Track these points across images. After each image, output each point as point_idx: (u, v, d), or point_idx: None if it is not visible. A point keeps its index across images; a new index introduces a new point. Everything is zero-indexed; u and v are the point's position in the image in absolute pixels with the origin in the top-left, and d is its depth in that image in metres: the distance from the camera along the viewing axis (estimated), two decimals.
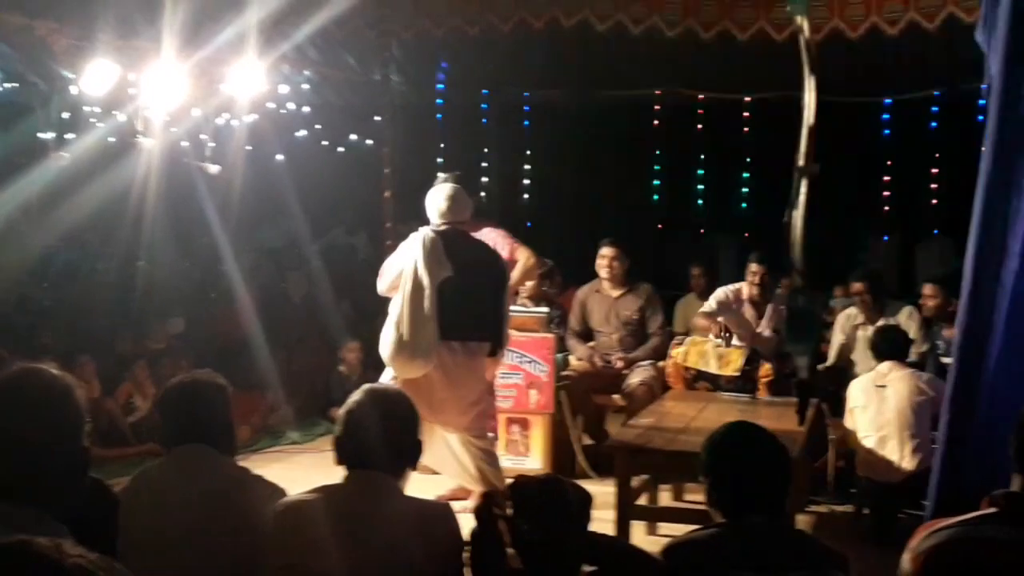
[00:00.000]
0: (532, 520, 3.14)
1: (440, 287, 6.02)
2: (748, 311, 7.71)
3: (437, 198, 6.31)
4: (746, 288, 7.80)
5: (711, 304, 7.88)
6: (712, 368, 7.17)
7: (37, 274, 11.25)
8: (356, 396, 3.39)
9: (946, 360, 6.41)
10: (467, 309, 6.13)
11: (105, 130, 10.14)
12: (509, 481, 3.39)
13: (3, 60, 10.41)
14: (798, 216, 3.55)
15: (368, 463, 3.25)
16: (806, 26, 3.59)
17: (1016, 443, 2.84)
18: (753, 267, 7.75)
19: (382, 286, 6.27)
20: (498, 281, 6.42)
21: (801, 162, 3.52)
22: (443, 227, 6.22)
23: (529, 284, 8.10)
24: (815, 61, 3.53)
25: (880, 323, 7.73)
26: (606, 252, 8.15)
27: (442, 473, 6.61)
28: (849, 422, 6.66)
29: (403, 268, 6.11)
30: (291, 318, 10.36)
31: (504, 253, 6.87)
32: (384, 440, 3.26)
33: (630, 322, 8.10)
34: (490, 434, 6.68)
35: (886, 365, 6.60)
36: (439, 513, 3.35)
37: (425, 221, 6.41)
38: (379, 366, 6.60)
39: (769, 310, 7.64)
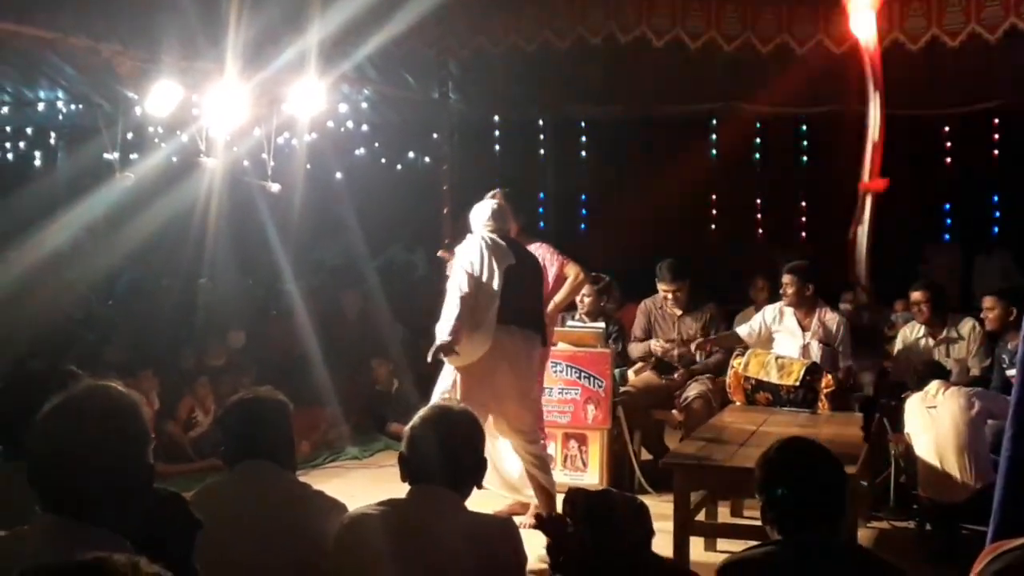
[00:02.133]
0: (583, 531, 3.17)
1: (506, 273, 6.11)
2: (792, 323, 7.66)
3: (482, 210, 6.41)
4: (784, 301, 7.76)
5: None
6: (773, 378, 7.11)
7: (103, 291, 11.44)
8: (422, 413, 3.48)
9: (1011, 373, 6.34)
10: (522, 298, 6.21)
11: (169, 150, 10.31)
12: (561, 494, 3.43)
13: (69, 82, 10.64)
14: (863, 232, 3.53)
15: (432, 479, 3.31)
16: (871, 43, 3.57)
17: None
18: (784, 278, 7.72)
19: (461, 286, 6.12)
20: (541, 282, 6.56)
21: (866, 177, 3.49)
22: (492, 233, 6.30)
23: (587, 300, 8.12)
24: (880, 77, 3.51)
25: (942, 336, 7.67)
26: (666, 288, 8.11)
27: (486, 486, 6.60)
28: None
29: (470, 260, 6.14)
30: (348, 335, 10.45)
31: (554, 269, 6.89)
32: (447, 457, 3.33)
33: (692, 340, 8.07)
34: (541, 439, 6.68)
35: (933, 385, 6.59)
36: (502, 528, 3.40)
37: None
38: (426, 384, 6.61)
39: (814, 323, 7.57)
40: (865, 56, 3.62)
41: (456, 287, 6.13)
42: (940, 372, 6.94)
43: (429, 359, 6.18)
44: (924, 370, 7.00)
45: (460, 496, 3.35)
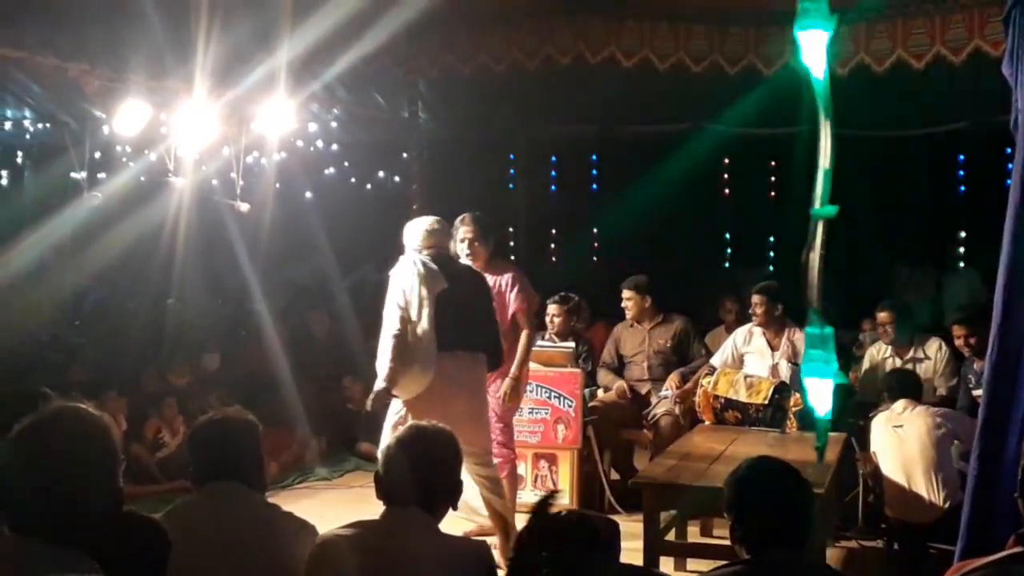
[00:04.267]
0: (558, 554, 3.14)
1: (438, 299, 5.94)
2: (761, 343, 7.71)
3: (417, 228, 6.22)
4: (753, 321, 7.82)
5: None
6: (741, 397, 7.14)
7: (69, 312, 11.36)
8: (399, 433, 3.48)
9: (977, 393, 6.37)
10: (464, 320, 6.05)
11: (136, 169, 10.25)
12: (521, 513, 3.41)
13: (36, 101, 10.56)
14: (815, 258, 3.56)
15: (405, 501, 3.31)
16: (821, 72, 3.60)
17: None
18: (754, 298, 7.78)
19: (392, 325, 5.97)
20: (488, 296, 6.41)
21: (816, 204, 3.53)
22: (427, 252, 6.15)
23: (556, 320, 8.17)
24: (830, 105, 3.55)
25: (908, 356, 7.72)
26: (623, 295, 8.24)
27: None
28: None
29: (402, 290, 5.98)
30: (317, 355, 10.41)
31: (513, 304, 6.80)
32: (422, 479, 3.33)
33: (662, 351, 8.11)
34: (497, 459, 6.54)
35: (900, 404, 6.58)
36: (475, 551, 3.40)
37: None
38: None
39: (783, 342, 7.63)
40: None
41: (388, 324, 5.97)
42: (906, 379, 6.93)
43: (369, 407, 6.09)
44: (890, 379, 7.01)
45: (434, 518, 3.35)
